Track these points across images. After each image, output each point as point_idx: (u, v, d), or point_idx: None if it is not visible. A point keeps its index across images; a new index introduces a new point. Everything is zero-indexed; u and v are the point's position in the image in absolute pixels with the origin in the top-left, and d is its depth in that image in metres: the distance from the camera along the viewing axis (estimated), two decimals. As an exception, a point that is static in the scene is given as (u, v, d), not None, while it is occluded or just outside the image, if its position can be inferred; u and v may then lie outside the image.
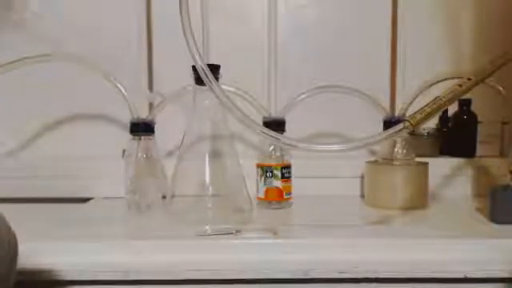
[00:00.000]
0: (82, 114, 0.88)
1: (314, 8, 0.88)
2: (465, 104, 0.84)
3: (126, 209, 0.71)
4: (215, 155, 0.63)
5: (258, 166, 0.72)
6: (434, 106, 0.51)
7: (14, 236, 0.36)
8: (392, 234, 0.57)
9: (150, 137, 0.72)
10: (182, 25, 0.50)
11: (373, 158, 0.79)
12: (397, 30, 0.83)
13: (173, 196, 0.64)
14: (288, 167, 0.71)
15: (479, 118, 0.84)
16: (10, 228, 0.36)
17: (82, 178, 0.81)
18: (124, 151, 0.74)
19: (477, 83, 0.52)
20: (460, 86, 0.52)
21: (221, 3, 0.87)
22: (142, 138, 0.72)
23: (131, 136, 0.72)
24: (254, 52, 0.87)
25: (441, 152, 0.86)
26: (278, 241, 0.54)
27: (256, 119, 0.56)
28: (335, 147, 0.51)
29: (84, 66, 0.71)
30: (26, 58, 0.69)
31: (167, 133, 0.75)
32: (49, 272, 0.49)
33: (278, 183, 0.70)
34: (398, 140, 0.72)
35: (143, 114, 0.74)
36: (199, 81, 0.55)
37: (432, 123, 0.87)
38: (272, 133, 0.52)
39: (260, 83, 0.85)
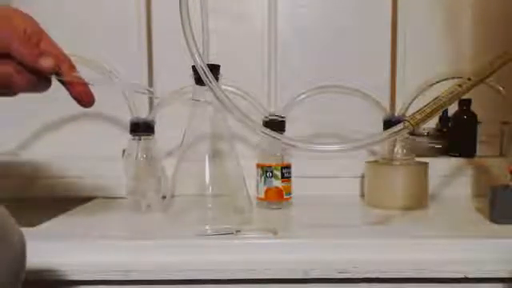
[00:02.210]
0: (82, 114, 0.88)
1: (314, 8, 0.88)
2: (465, 104, 0.84)
3: (126, 209, 0.71)
4: (215, 155, 0.63)
5: (258, 166, 0.72)
6: (434, 106, 0.51)
7: (22, 235, 0.36)
8: (392, 233, 0.57)
9: (150, 137, 0.72)
10: (182, 25, 0.50)
11: (373, 158, 0.79)
12: (397, 29, 0.83)
13: (173, 196, 0.64)
14: (288, 167, 0.71)
15: (479, 118, 0.84)
16: (17, 228, 0.36)
17: (82, 178, 0.81)
18: (124, 151, 0.74)
19: (477, 83, 0.52)
20: (460, 85, 0.52)
21: (221, 3, 0.87)
22: (142, 138, 0.72)
23: (131, 136, 0.72)
24: (254, 52, 0.87)
25: (441, 152, 0.86)
26: (278, 241, 0.54)
27: (256, 119, 0.56)
28: (335, 147, 0.51)
29: (84, 66, 0.71)
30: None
31: (167, 133, 0.75)
32: (49, 272, 0.49)
33: (277, 183, 0.70)
34: (398, 140, 0.72)
35: (143, 114, 0.74)
36: (199, 81, 0.55)
37: (432, 123, 0.87)
38: (272, 133, 0.52)
39: (260, 83, 0.85)
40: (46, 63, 0.42)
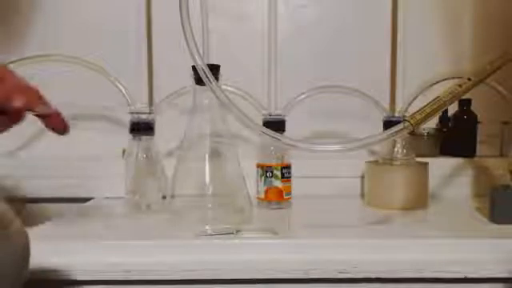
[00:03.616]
0: (82, 114, 0.88)
1: (314, 8, 0.88)
2: (465, 104, 0.84)
3: (126, 209, 0.71)
4: (215, 155, 0.63)
5: (258, 166, 0.72)
6: (434, 106, 0.51)
7: (27, 237, 0.36)
8: (392, 233, 0.57)
9: (150, 137, 0.72)
10: (182, 25, 0.50)
11: (373, 158, 0.79)
12: (397, 29, 0.83)
13: (173, 196, 0.64)
14: (288, 167, 0.71)
15: (479, 118, 0.84)
16: (22, 227, 0.36)
17: (82, 178, 0.81)
18: (124, 151, 0.74)
19: (477, 83, 0.52)
20: (460, 86, 0.52)
21: (221, 3, 0.87)
22: (142, 137, 0.72)
23: (131, 136, 0.72)
24: (254, 52, 0.87)
25: (441, 152, 0.86)
26: (278, 241, 0.54)
27: (256, 119, 0.56)
28: (335, 147, 0.51)
29: (84, 66, 0.71)
30: (25, 58, 0.70)
31: (167, 133, 0.75)
32: (48, 272, 0.49)
33: (277, 183, 0.70)
34: (398, 140, 0.72)
35: (143, 114, 0.74)
36: (199, 81, 0.55)
37: (432, 123, 0.87)
38: (272, 133, 0.52)
39: (260, 83, 0.85)
40: (17, 103, 0.39)
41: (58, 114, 0.44)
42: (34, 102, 0.41)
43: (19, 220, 0.35)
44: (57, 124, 0.44)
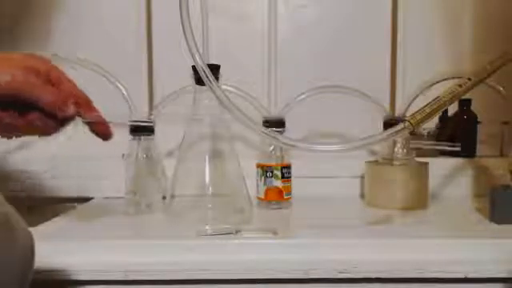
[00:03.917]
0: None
1: (314, 8, 0.88)
2: (465, 104, 0.84)
3: (126, 209, 0.71)
4: (215, 155, 0.63)
5: (258, 166, 0.72)
6: (434, 106, 0.51)
7: (31, 238, 0.36)
8: (392, 234, 0.57)
9: (150, 137, 0.72)
10: (182, 25, 0.50)
11: (373, 158, 0.79)
12: (397, 29, 0.83)
13: (173, 196, 0.64)
14: (288, 167, 0.71)
15: (479, 118, 0.84)
16: (26, 228, 0.36)
17: (82, 178, 0.81)
18: (123, 155, 0.74)
19: (477, 83, 0.52)
20: (460, 86, 0.52)
21: (221, 3, 0.87)
22: (142, 137, 0.72)
23: (131, 136, 0.72)
24: (253, 52, 0.87)
25: (441, 152, 0.86)
26: (278, 241, 0.54)
27: (256, 119, 0.56)
28: (335, 147, 0.51)
29: (84, 66, 0.71)
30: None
31: (167, 133, 0.75)
32: (48, 272, 0.49)
33: (278, 183, 0.70)
34: (398, 140, 0.72)
35: (143, 114, 0.74)
36: (199, 81, 0.55)
37: (432, 123, 0.87)
38: (272, 133, 0.52)
39: (260, 83, 0.85)
40: (70, 110, 0.42)
41: (104, 122, 0.46)
42: (85, 109, 0.45)
43: (24, 221, 0.35)
44: (102, 130, 0.47)
